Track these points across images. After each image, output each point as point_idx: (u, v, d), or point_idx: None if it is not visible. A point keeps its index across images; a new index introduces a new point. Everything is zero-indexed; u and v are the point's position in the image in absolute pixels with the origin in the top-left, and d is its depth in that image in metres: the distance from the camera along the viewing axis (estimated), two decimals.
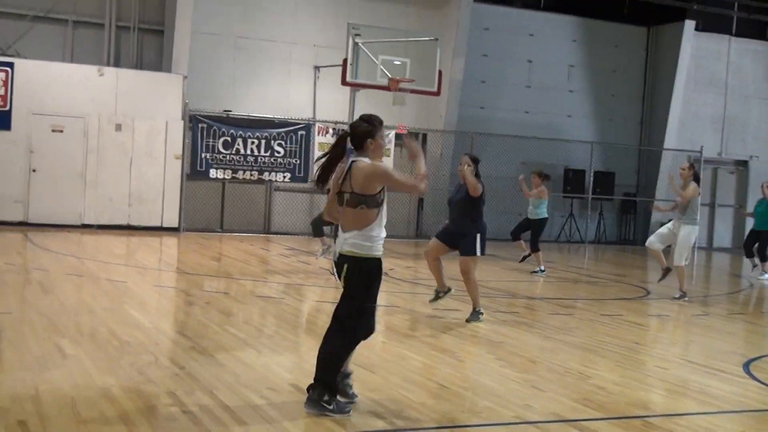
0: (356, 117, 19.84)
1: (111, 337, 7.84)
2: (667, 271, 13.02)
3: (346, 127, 19.63)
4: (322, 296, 11.46)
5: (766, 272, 17.03)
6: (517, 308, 11.37)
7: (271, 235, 20.52)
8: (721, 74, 26.50)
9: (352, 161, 5.74)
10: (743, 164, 27.01)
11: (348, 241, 5.73)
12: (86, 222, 18.33)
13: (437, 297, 10.28)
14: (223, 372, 6.83)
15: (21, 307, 9.17)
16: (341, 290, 5.80)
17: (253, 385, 6.42)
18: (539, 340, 9.08)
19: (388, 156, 21.01)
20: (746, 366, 8.26)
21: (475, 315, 9.82)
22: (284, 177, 20.34)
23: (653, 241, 12.98)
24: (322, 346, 5.83)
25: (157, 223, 18.84)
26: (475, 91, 23.42)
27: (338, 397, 5.77)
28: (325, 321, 9.64)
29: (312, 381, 5.80)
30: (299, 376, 6.83)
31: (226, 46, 20.80)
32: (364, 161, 5.72)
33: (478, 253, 9.80)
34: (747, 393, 7.28)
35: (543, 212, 15.85)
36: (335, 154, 5.80)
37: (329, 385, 5.71)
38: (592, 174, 24.07)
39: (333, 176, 5.83)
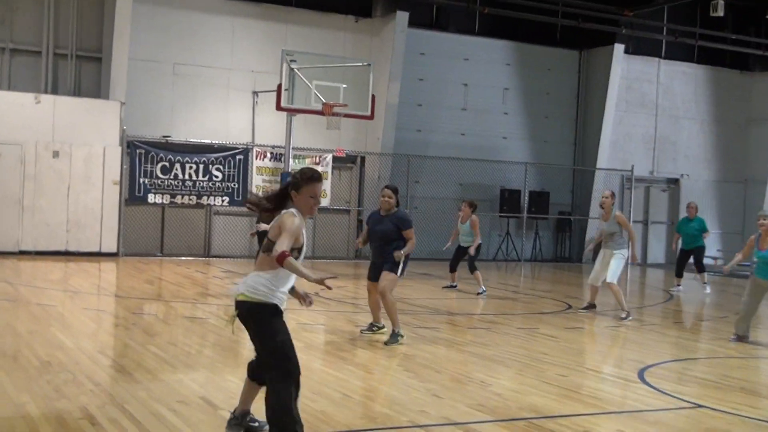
0: (293, 141, 20.23)
1: (33, 357, 8.13)
2: (591, 307, 13.58)
3: (282, 151, 20.16)
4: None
5: (707, 283, 17.73)
6: (437, 324, 11.80)
7: (212, 258, 20.79)
8: (652, 95, 27.36)
9: (284, 211, 5.60)
10: (674, 182, 27.85)
11: (247, 281, 5.55)
12: (23, 249, 18.47)
13: (370, 329, 10.33)
14: (137, 388, 7.16)
15: None
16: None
17: (164, 399, 6.77)
18: (451, 353, 9.52)
19: (326, 178, 21.44)
20: (641, 372, 8.77)
21: (394, 337, 9.76)
22: (223, 201, 20.67)
23: (593, 277, 13.41)
24: (266, 402, 5.47)
25: (96, 249, 19.03)
26: (411, 114, 23.95)
27: None
28: (248, 340, 10.03)
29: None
30: (211, 390, 7.20)
31: (165, 73, 21.12)
32: (291, 213, 5.54)
33: (399, 273, 9.87)
34: (634, 395, 7.78)
35: (473, 240, 15.84)
36: (274, 203, 5.72)
37: None
38: (527, 194, 24.71)
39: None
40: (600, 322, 12.76)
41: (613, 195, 13.28)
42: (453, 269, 16.36)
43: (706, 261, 19.01)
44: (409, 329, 10.63)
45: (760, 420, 7.10)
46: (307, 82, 18.93)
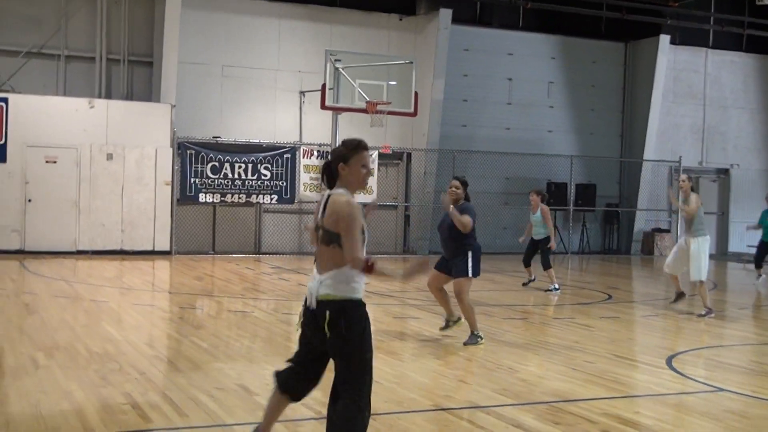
0: (338, 139, 20.79)
1: (83, 349, 8.61)
2: (680, 296, 12.93)
3: (328, 149, 20.60)
4: (291, 309, 12.21)
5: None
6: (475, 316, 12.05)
7: (262, 255, 21.28)
8: (699, 85, 27.19)
9: (329, 193, 5.01)
10: (724, 173, 27.65)
11: (324, 283, 4.89)
12: (80, 248, 19.14)
13: (447, 326, 9.99)
14: (178, 376, 7.59)
15: (4, 326, 9.93)
16: (313, 344, 5.01)
17: (203, 386, 7.17)
18: (485, 342, 9.77)
19: (372, 175, 21.81)
20: (670, 359, 8.95)
21: (473, 338, 9.53)
22: (272, 199, 21.13)
23: (669, 264, 12.91)
24: (327, 427, 4.94)
25: (149, 248, 19.64)
26: (456, 110, 24.18)
27: None
28: (287, 331, 10.45)
29: None
30: (248, 378, 7.59)
31: (213, 75, 21.66)
32: (341, 194, 4.93)
33: (470, 274, 9.54)
34: (658, 381, 7.98)
35: (547, 231, 15.57)
36: (323, 181, 5.12)
37: None
38: (573, 187, 24.78)
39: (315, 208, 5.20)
40: (638, 311, 12.92)
41: (689, 178, 12.66)
42: (527, 263, 15.79)
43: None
44: (443, 319, 10.88)
45: (765, 399, 7.27)
46: (351, 81, 19.32)
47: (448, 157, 23.39)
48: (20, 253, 18.65)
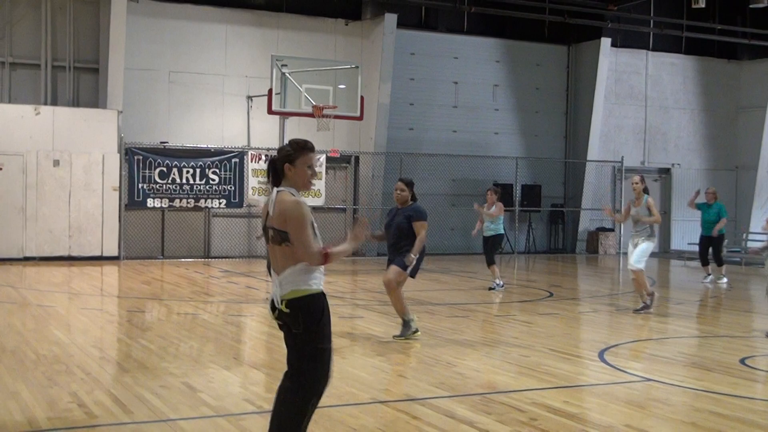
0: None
1: (30, 352, 8.75)
2: (650, 296, 12.63)
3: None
4: (239, 311, 12.41)
5: (724, 275, 17.59)
6: (418, 314, 12.35)
7: (211, 260, 21.39)
8: (641, 87, 27.84)
9: (277, 190, 5.07)
10: (666, 172, 28.33)
11: (284, 283, 4.99)
12: (28, 255, 19.11)
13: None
14: (124, 376, 7.78)
15: None
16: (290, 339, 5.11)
17: (148, 385, 7.37)
18: (425, 338, 10.04)
19: (320, 179, 22.07)
20: (602, 352, 9.33)
21: (407, 326, 9.72)
22: (220, 203, 21.27)
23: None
24: (275, 409, 5.07)
25: (98, 253, 19.66)
26: (403, 113, 24.52)
27: None
28: (234, 332, 10.66)
29: None
30: (193, 376, 7.79)
31: (160, 81, 21.74)
32: (288, 194, 5.02)
33: (407, 271, 9.73)
34: (588, 372, 8.35)
35: (500, 228, 15.92)
36: (268, 180, 5.22)
37: None
38: (519, 187, 25.25)
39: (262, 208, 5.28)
40: (577, 308, 13.33)
41: (642, 179, 12.72)
42: (492, 261, 15.59)
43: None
44: (389, 319, 11.19)
45: (699, 390, 7.66)
46: (297, 85, 19.57)
47: (395, 160, 23.71)
48: None
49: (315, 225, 5.02)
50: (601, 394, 7.43)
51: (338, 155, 23.12)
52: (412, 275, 9.86)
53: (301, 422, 5.01)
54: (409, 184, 9.99)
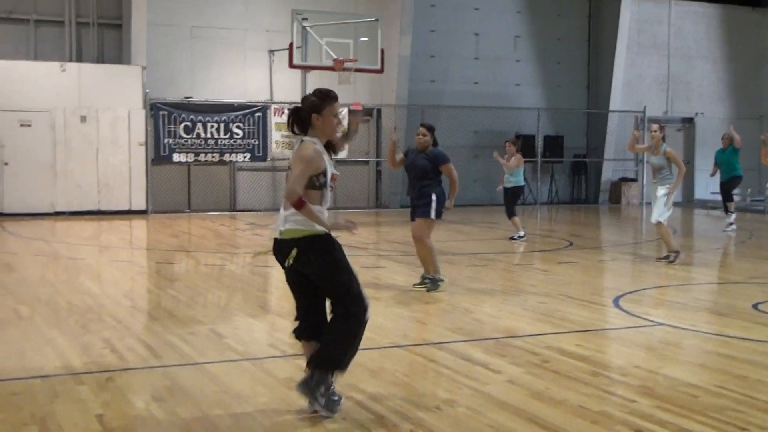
0: None
1: (63, 302, 9.10)
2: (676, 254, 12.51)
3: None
4: (265, 262, 12.72)
5: (732, 212, 17.66)
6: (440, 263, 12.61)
7: (237, 213, 21.73)
8: (663, 36, 27.68)
9: (302, 139, 5.29)
10: (689, 121, 28.27)
11: (288, 219, 5.20)
12: (58, 210, 19.53)
13: (422, 282, 10.12)
14: (153, 323, 8.11)
15: None
16: (299, 284, 5.38)
17: (177, 332, 7.69)
18: (445, 287, 10.30)
19: (341, 132, 22.23)
20: (617, 298, 9.54)
21: (434, 283, 9.87)
22: (244, 157, 21.54)
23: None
24: (325, 335, 5.34)
25: (126, 207, 20.06)
26: (424, 65, 24.59)
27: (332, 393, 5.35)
28: (260, 283, 10.98)
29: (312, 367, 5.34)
30: (220, 324, 8.10)
31: (183, 36, 21.93)
32: (310, 142, 5.23)
33: (433, 216, 9.83)
34: (602, 317, 8.59)
35: (520, 180, 15.90)
36: (291, 130, 5.40)
37: (334, 364, 5.32)
38: (541, 139, 25.33)
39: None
40: (596, 257, 13.53)
41: (661, 128, 12.59)
42: (512, 213, 15.66)
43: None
44: (411, 269, 11.45)
45: (710, 333, 7.87)
46: (318, 39, 19.69)
47: (417, 113, 23.80)
48: None
49: (328, 168, 5.21)
50: (614, 338, 7.67)
51: (360, 108, 23.20)
52: (439, 217, 9.96)
53: (348, 349, 5.32)
54: (431, 129, 10.10)
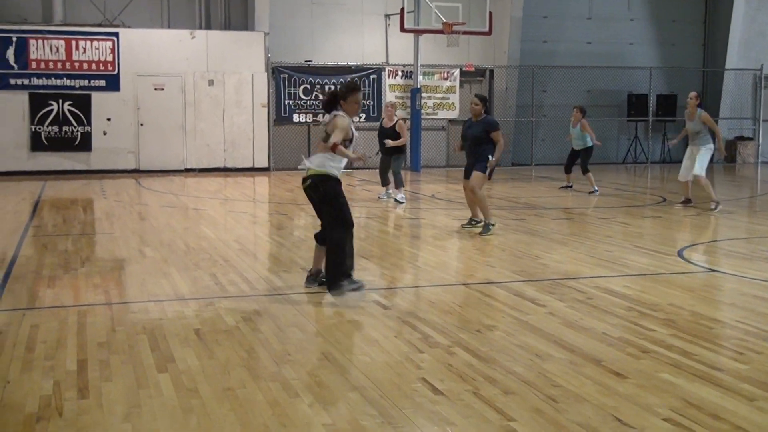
0: (422, 59, 22.13)
1: (182, 244, 10.45)
2: (687, 201, 14.41)
3: (412, 69, 22.00)
4: (368, 214, 13.85)
5: None
6: (527, 216, 13.46)
7: (352, 171, 22.94)
8: None
9: (334, 113, 7.43)
10: None
11: (313, 162, 7.41)
12: (188, 167, 21.22)
13: (469, 223, 11.70)
14: (255, 263, 9.34)
15: (120, 229, 11.90)
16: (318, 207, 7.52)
17: (275, 269, 8.88)
18: (525, 237, 11.17)
19: (454, 92, 23.18)
20: (683, 249, 10.19)
21: (487, 228, 11.13)
22: (360, 118, 22.70)
23: (681, 173, 14.40)
24: (327, 247, 7.44)
25: (250, 165, 21.60)
26: (537, 26, 25.10)
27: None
28: (360, 231, 12.06)
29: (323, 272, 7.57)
30: (309, 259, 9.23)
31: (303, 3, 23.18)
32: (341, 115, 7.38)
33: (487, 173, 11.15)
34: (658, 264, 9.29)
35: (588, 142, 17.22)
36: (325, 106, 7.62)
37: (340, 269, 7.30)
38: (654, 98, 25.49)
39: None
40: (683, 212, 14.04)
41: (697, 96, 14.28)
42: (568, 171, 17.79)
43: None
44: (501, 220, 12.35)
45: (755, 279, 8.50)
46: (429, 3, 20.57)
47: (528, 73, 24.43)
48: (135, 172, 20.86)
49: (353, 136, 7.43)
50: (661, 281, 8.40)
51: (473, 69, 24.03)
52: (490, 177, 11.35)
53: (342, 253, 7.33)
54: (483, 100, 11.28)
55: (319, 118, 22.41)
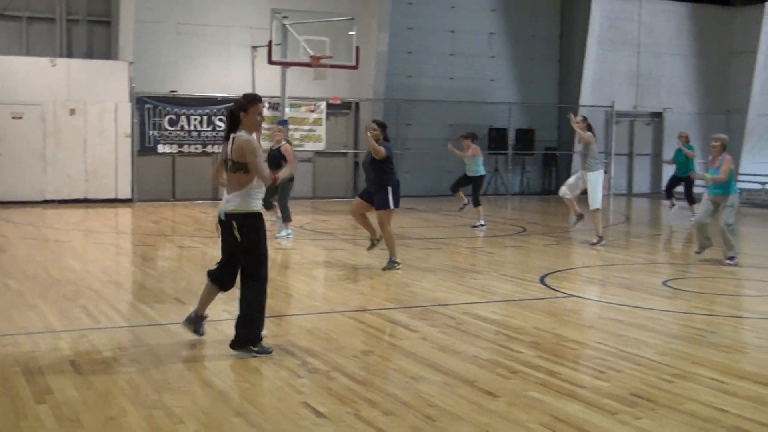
0: (289, 92, 22.09)
1: (47, 276, 10.21)
2: (580, 217, 14.42)
3: (279, 101, 22.14)
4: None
5: (696, 213, 18.74)
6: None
7: (219, 201, 22.78)
8: (634, 33, 28.76)
9: (233, 135, 6.54)
10: (658, 116, 29.38)
11: (231, 201, 6.54)
12: (48, 198, 20.62)
13: (372, 245, 11.52)
14: (125, 293, 9.24)
15: None
16: (230, 248, 6.68)
17: (145, 299, 8.80)
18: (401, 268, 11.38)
19: (321, 124, 23.44)
20: (544, 276, 10.66)
21: (391, 264, 10.88)
22: None
23: (564, 191, 14.45)
24: (245, 298, 6.63)
25: (112, 196, 21.15)
26: (402, 61, 25.69)
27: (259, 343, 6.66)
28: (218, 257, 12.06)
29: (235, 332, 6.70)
30: (183, 293, 9.20)
31: (169, 33, 22.99)
32: (242, 135, 6.49)
33: (391, 206, 10.79)
34: (522, 290, 9.70)
35: (480, 169, 17.02)
36: (227, 126, 6.70)
37: (254, 333, 6.62)
38: (513, 132, 26.47)
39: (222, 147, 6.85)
40: (541, 241, 14.64)
41: (585, 119, 14.12)
42: (455, 190, 17.27)
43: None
44: (370, 251, 12.53)
45: (612, 303, 8.98)
46: (297, 36, 20.78)
47: (393, 107, 24.95)
48: None
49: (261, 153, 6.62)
50: (525, 307, 8.79)
51: (339, 102, 24.35)
52: (396, 205, 10.93)
53: (262, 311, 6.66)
54: (381, 125, 11.20)
55: (185, 148, 22.24)
